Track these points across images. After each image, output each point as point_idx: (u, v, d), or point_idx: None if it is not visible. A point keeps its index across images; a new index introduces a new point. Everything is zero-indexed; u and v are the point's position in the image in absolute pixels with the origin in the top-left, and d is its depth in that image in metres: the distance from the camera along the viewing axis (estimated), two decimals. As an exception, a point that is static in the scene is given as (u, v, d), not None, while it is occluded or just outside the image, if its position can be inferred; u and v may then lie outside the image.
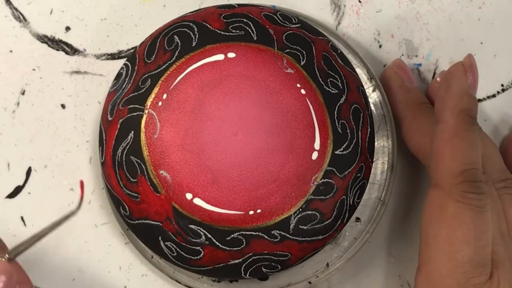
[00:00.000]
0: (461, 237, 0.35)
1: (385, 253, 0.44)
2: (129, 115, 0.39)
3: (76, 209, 0.36)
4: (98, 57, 0.44)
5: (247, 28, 0.40)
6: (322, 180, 0.38)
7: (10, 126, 0.44)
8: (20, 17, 0.44)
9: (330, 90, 0.39)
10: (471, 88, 0.38)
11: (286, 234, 0.38)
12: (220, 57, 0.39)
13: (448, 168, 0.36)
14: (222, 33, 0.39)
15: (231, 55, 0.39)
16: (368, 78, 0.43)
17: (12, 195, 0.44)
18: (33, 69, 0.44)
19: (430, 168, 0.38)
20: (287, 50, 0.39)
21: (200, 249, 0.38)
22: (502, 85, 0.45)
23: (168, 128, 0.38)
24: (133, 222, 0.39)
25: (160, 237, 0.39)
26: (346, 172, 0.39)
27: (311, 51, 0.39)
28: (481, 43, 0.45)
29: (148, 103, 0.39)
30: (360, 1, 0.44)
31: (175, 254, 0.39)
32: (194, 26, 0.40)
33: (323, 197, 0.38)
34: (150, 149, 0.38)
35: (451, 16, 0.45)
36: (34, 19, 0.44)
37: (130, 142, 0.39)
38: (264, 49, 0.39)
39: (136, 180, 0.38)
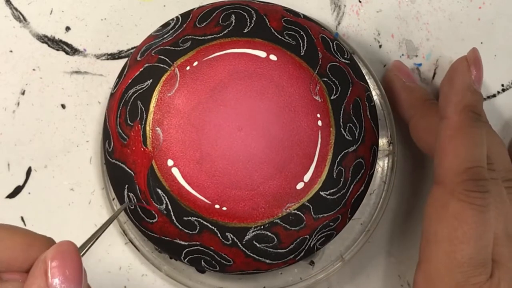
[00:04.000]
0: (461, 236, 0.34)
1: (385, 253, 0.43)
2: (155, 64, 0.39)
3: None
4: (98, 57, 0.44)
5: (300, 41, 0.39)
6: (295, 211, 0.38)
7: (10, 126, 0.44)
8: (20, 17, 0.44)
9: (345, 134, 0.39)
10: (476, 83, 0.37)
11: (238, 242, 0.38)
12: (262, 54, 0.39)
13: (451, 165, 0.35)
14: (275, 34, 0.39)
15: (273, 57, 0.39)
16: (387, 142, 0.42)
17: (12, 195, 0.44)
18: (33, 69, 0.44)
19: (434, 165, 0.37)
20: (325, 79, 0.39)
21: (156, 215, 0.38)
22: (502, 85, 0.44)
23: (183, 93, 0.39)
24: (111, 160, 0.40)
25: (127, 186, 0.39)
26: (321, 215, 0.38)
27: (346, 91, 0.39)
28: (481, 43, 0.45)
29: (178, 62, 0.39)
30: (360, 1, 0.44)
31: (133, 207, 0.39)
32: (254, 15, 0.40)
33: (287, 227, 0.38)
34: (158, 103, 0.39)
35: (451, 16, 0.45)
36: (34, 19, 0.44)
37: (144, 88, 0.39)
38: (305, 67, 0.39)
39: (132, 124, 0.39)
